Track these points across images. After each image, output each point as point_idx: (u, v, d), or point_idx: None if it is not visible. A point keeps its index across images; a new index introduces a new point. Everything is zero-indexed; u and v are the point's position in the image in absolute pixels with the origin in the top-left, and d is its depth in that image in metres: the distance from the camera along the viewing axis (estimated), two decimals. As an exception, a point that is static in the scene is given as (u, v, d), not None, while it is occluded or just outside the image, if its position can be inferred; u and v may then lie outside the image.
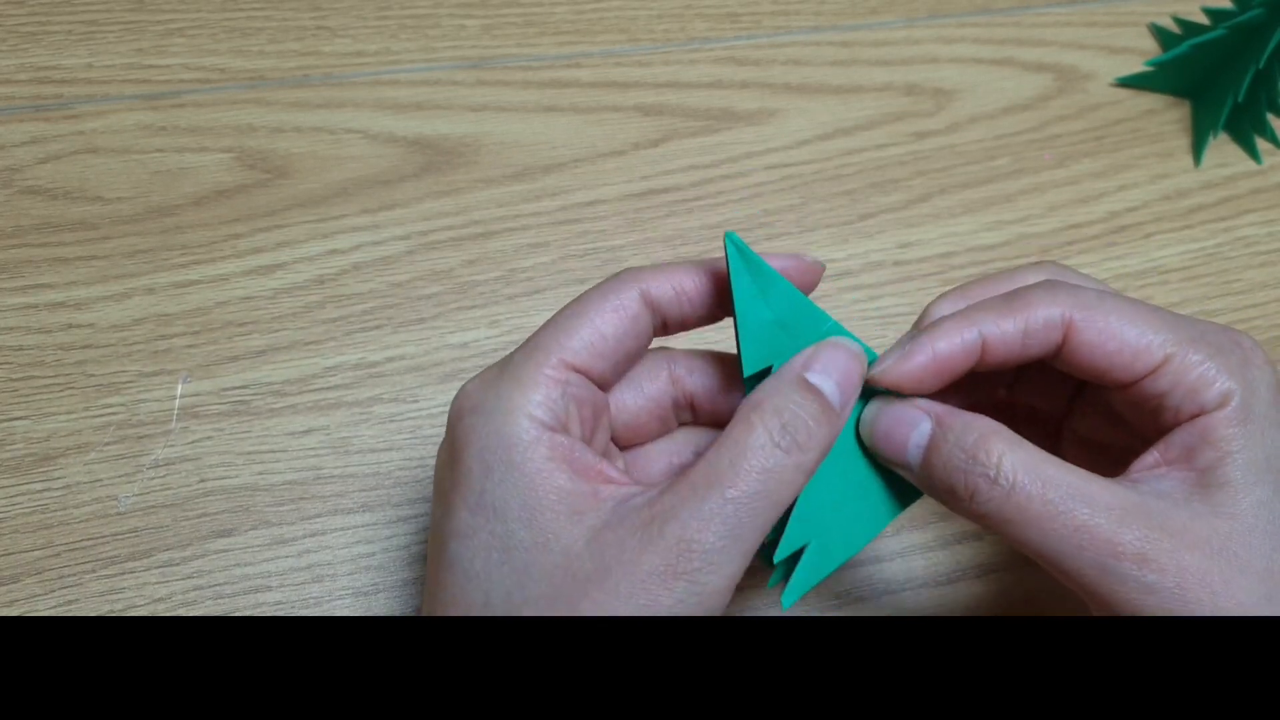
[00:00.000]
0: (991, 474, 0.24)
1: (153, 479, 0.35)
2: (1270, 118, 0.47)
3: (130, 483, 0.35)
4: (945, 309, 0.28)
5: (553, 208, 0.42)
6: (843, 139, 0.45)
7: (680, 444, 0.30)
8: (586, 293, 0.27)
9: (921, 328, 0.27)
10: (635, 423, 0.30)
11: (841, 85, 0.47)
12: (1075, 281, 0.28)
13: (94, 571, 0.33)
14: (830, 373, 0.26)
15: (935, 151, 0.46)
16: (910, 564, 0.36)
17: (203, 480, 0.35)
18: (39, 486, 0.34)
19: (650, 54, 0.47)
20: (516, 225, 0.42)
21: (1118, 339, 0.26)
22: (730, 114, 0.46)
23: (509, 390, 0.25)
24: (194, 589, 0.33)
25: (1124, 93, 0.49)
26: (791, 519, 0.26)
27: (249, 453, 0.36)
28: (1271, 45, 0.43)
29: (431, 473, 0.36)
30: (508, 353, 0.27)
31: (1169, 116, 0.48)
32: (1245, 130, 0.47)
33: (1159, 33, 0.50)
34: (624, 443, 0.30)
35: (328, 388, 0.37)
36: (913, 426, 0.26)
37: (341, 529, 0.35)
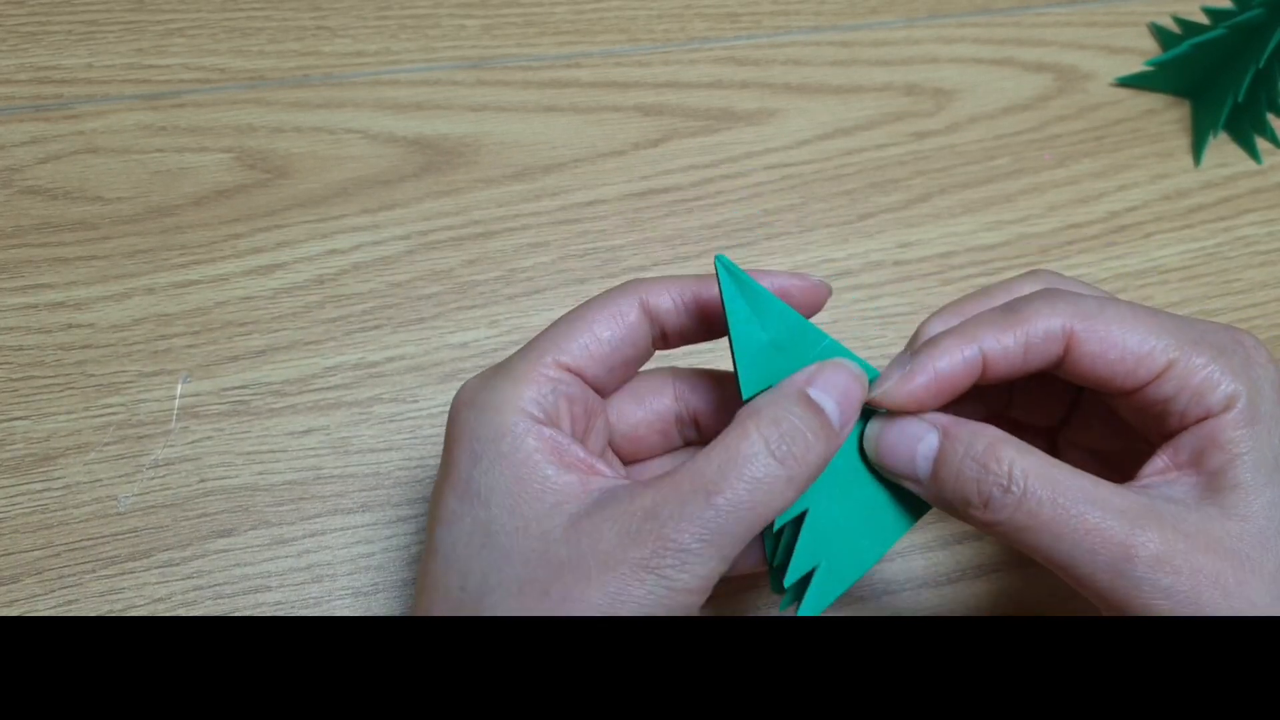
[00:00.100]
0: (1004, 481, 0.24)
1: (153, 479, 0.35)
2: (1270, 118, 0.47)
3: (130, 483, 0.35)
4: (938, 327, 0.27)
5: (553, 208, 0.42)
6: (843, 139, 0.45)
7: (682, 460, 0.31)
8: (589, 300, 0.28)
9: (918, 346, 0.27)
10: (635, 434, 0.30)
11: (841, 85, 0.47)
12: (1071, 289, 0.28)
13: (94, 571, 0.33)
14: (831, 392, 0.25)
15: (935, 151, 0.46)
16: (910, 564, 0.36)
17: (203, 480, 0.35)
18: (39, 486, 0.34)
19: (650, 54, 0.47)
20: (516, 225, 0.42)
21: (1120, 347, 0.25)
22: (730, 114, 0.46)
23: (503, 386, 0.26)
24: (194, 589, 0.33)
25: (1124, 93, 0.49)
26: (799, 543, 0.26)
27: (249, 453, 0.36)
28: (1271, 45, 0.43)
29: (431, 473, 0.36)
30: (507, 353, 0.27)
31: (1169, 116, 0.48)
32: (1245, 130, 0.47)
33: (1159, 32, 0.50)
34: (626, 456, 0.30)
35: (328, 388, 0.37)
36: (919, 439, 0.26)
37: (341, 529, 0.35)
